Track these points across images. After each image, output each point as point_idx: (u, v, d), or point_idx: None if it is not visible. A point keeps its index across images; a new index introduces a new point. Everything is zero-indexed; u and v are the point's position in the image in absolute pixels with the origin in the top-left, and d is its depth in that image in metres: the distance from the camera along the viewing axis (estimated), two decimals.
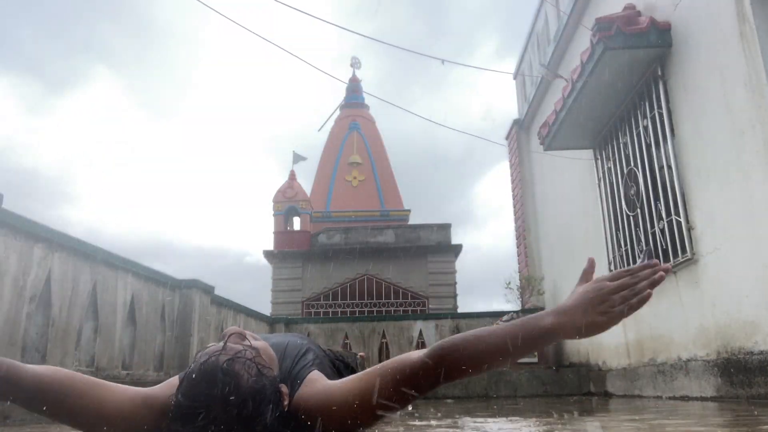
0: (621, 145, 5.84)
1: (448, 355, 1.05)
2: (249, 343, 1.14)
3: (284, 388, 1.15)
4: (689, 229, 4.47)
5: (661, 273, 1.03)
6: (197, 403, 0.99)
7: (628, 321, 5.00)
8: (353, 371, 1.78)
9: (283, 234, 15.86)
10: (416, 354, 1.09)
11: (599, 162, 6.43)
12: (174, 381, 1.21)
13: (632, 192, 5.60)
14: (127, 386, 1.20)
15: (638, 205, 5.46)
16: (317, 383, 1.20)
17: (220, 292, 6.31)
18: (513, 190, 10.23)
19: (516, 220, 10.10)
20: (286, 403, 1.12)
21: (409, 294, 15.07)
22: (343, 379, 1.17)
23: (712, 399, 4.08)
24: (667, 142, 4.81)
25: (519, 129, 9.97)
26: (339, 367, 1.67)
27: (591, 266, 1.13)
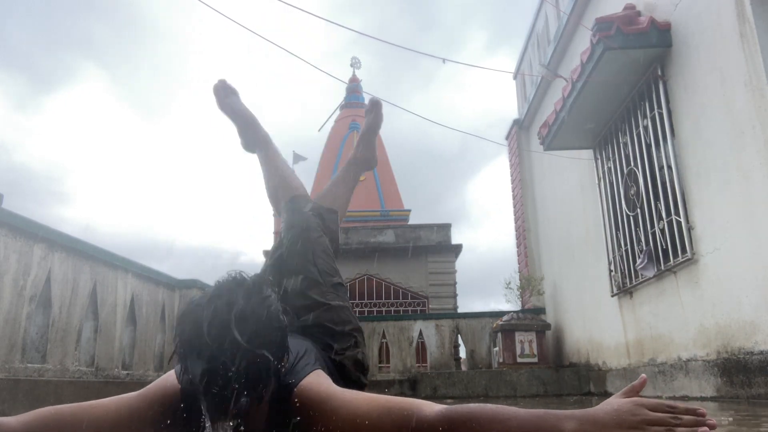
0: (621, 145, 5.84)
1: (459, 426, 1.00)
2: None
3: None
4: (689, 229, 4.47)
5: (705, 429, 0.93)
6: (200, 308, 0.99)
7: (628, 321, 4.97)
8: (355, 363, 1.75)
9: None
10: (429, 409, 1.05)
11: (599, 162, 6.43)
12: (169, 376, 1.20)
13: (632, 192, 5.60)
14: (119, 396, 1.19)
15: (638, 205, 5.46)
16: (322, 383, 1.19)
17: None
18: (513, 190, 10.23)
19: (516, 220, 10.10)
20: (286, 360, 1.10)
21: (409, 294, 15.07)
22: (350, 393, 1.15)
23: (712, 399, 4.08)
24: (667, 142, 4.81)
25: (519, 129, 9.97)
26: (345, 373, 1.66)
27: (642, 385, 1.03)
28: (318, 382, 1.19)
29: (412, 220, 17.97)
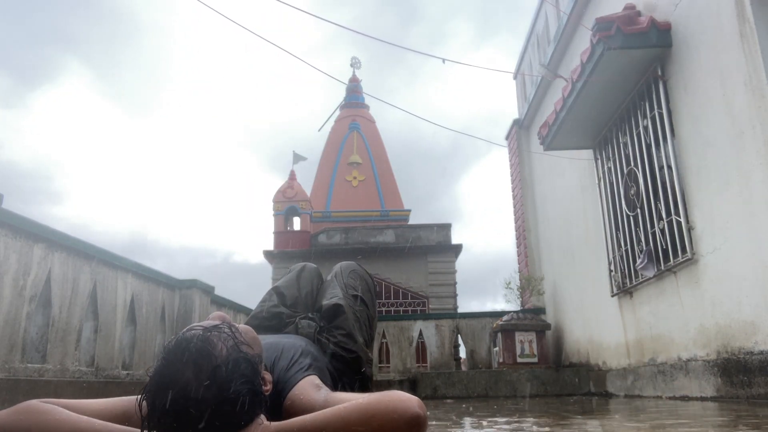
0: (621, 145, 5.84)
1: None
2: (230, 323, 1.13)
3: (267, 375, 1.13)
4: (689, 229, 4.47)
5: None
6: (169, 370, 0.97)
7: (628, 321, 4.97)
8: (356, 364, 1.76)
9: (283, 234, 15.87)
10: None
11: (599, 162, 6.43)
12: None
13: (632, 192, 5.60)
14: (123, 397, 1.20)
15: (638, 205, 5.46)
16: (307, 392, 1.19)
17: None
18: (513, 190, 10.23)
19: (516, 220, 10.10)
20: (267, 388, 1.10)
21: (409, 294, 15.07)
22: (329, 402, 1.13)
23: (712, 399, 4.08)
24: (667, 142, 4.81)
25: (519, 129, 9.97)
26: (339, 369, 1.67)
27: None
28: (306, 390, 1.19)
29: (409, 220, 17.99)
